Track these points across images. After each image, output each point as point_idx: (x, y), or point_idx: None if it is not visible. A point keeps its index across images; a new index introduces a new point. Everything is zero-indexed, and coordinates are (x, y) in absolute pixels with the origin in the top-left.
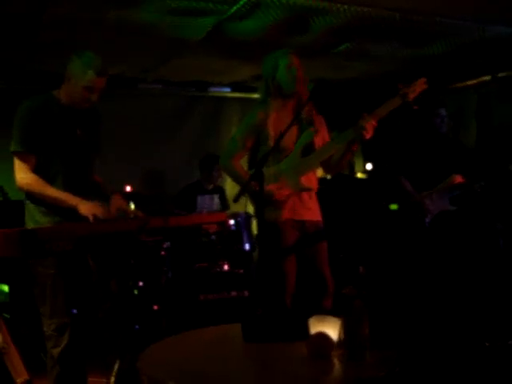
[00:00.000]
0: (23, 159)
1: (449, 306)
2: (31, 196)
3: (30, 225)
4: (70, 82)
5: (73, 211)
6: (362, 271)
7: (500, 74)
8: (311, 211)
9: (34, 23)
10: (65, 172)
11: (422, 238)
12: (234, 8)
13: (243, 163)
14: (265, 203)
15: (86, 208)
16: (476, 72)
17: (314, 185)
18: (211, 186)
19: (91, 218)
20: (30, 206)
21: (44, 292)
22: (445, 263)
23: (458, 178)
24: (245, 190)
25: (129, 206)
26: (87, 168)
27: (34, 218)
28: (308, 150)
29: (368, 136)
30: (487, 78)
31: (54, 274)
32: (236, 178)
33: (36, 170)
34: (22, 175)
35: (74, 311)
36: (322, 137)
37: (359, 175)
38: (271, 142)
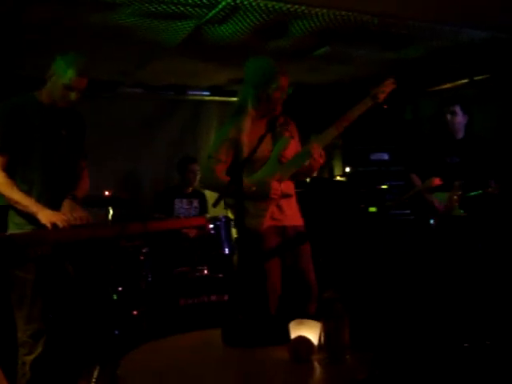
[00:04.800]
0: None
1: (427, 308)
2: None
3: (11, 227)
4: (51, 81)
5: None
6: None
7: (477, 78)
8: (291, 217)
9: (11, 27)
10: (46, 172)
11: (426, 238)
12: (213, 12)
13: None
14: (245, 211)
15: (44, 216)
16: (453, 75)
17: (292, 191)
18: (190, 190)
19: (49, 226)
20: (11, 208)
21: (22, 297)
22: (429, 265)
23: (437, 181)
24: (227, 194)
25: (80, 211)
26: (70, 168)
27: (14, 221)
28: (285, 156)
29: (317, 165)
30: (464, 81)
31: (33, 279)
32: (222, 190)
33: (13, 169)
34: None
35: (50, 316)
36: (296, 143)
37: (338, 178)
38: (245, 154)
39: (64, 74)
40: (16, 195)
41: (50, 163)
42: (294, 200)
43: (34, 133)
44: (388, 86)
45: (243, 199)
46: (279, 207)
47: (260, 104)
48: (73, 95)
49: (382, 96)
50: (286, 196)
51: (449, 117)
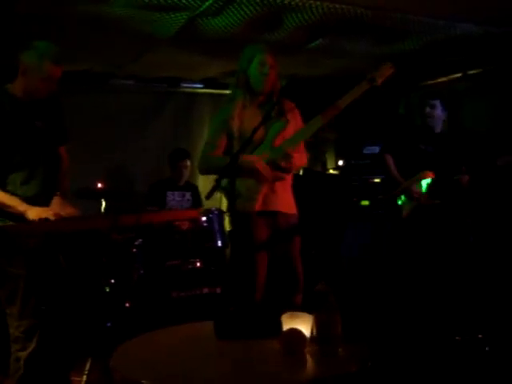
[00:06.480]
0: None
1: (420, 301)
2: None
3: None
4: (26, 75)
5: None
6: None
7: (470, 72)
8: (284, 203)
9: (3, 19)
10: (29, 170)
11: (399, 228)
12: (207, 4)
13: None
14: (238, 195)
15: (34, 214)
16: (447, 69)
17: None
18: (182, 183)
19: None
20: None
21: (14, 293)
22: (416, 257)
23: (429, 174)
24: (225, 173)
25: (69, 207)
26: (52, 161)
27: None
28: (278, 141)
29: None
30: (458, 75)
31: (25, 274)
32: (220, 168)
33: None
34: None
35: (43, 308)
36: (293, 126)
37: (331, 171)
38: (236, 140)
39: (39, 67)
40: (1, 197)
41: (31, 161)
42: (288, 185)
43: (11, 129)
44: (387, 70)
45: (236, 177)
46: (273, 190)
47: (247, 85)
48: (52, 86)
49: (380, 79)
50: (278, 179)
51: (428, 109)
